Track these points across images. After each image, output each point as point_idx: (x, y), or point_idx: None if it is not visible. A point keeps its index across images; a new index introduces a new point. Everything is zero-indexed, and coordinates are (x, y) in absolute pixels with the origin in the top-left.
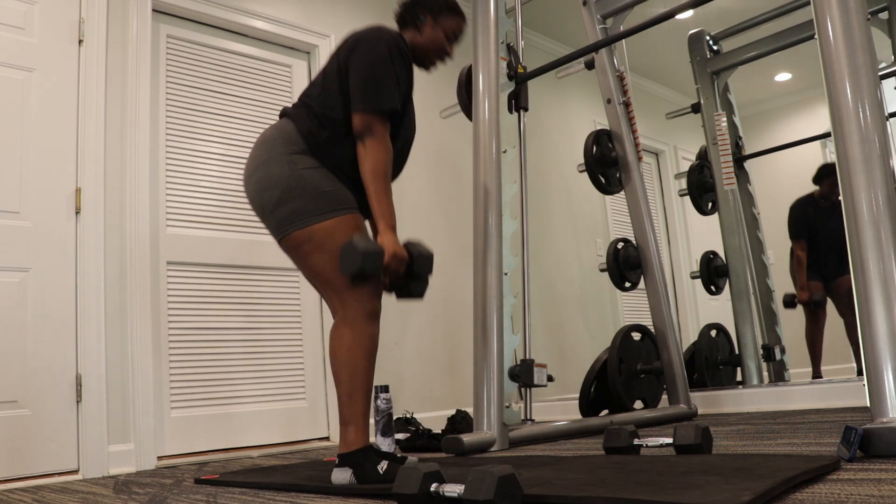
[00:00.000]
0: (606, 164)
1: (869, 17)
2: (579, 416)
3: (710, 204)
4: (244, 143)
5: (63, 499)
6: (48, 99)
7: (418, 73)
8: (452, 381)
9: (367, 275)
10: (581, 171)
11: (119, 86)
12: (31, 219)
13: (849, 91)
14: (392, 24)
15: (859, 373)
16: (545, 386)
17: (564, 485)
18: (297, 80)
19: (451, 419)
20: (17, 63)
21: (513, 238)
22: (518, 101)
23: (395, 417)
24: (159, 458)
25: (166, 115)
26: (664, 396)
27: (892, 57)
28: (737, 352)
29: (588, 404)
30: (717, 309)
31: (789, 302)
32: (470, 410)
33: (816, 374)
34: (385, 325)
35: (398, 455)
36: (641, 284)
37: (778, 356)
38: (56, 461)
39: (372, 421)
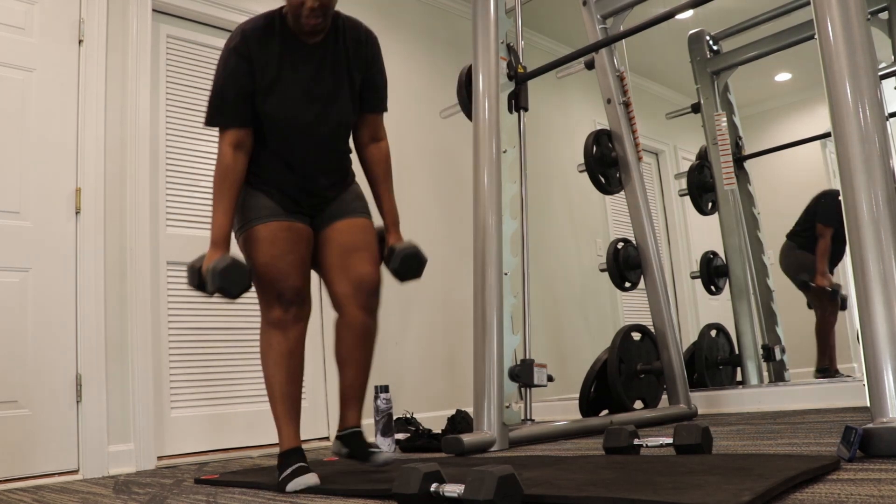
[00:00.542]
0: (606, 164)
1: (869, 17)
2: (579, 416)
3: (710, 204)
4: None
5: (63, 499)
6: (48, 99)
7: (417, 73)
8: (452, 381)
9: (209, 291)
10: (581, 171)
11: (119, 86)
12: (31, 219)
13: (849, 91)
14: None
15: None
16: (545, 386)
17: (564, 485)
18: None
19: (451, 419)
20: (17, 63)
21: (513, 238)
22: (518, 101)
23: (395, 417)
24: (159, 458)
25: (166, 115)
26: (664, 396)
27: (892, 57)
28: (737, 352)
29: (588, 404)
30: (717, 309)
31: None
32: (470, 410)
33: (825, 369)
34: (385, 324)
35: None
36: (641, 284)
37: (778, 356)
38: (56, 461)
39: (372, 421)
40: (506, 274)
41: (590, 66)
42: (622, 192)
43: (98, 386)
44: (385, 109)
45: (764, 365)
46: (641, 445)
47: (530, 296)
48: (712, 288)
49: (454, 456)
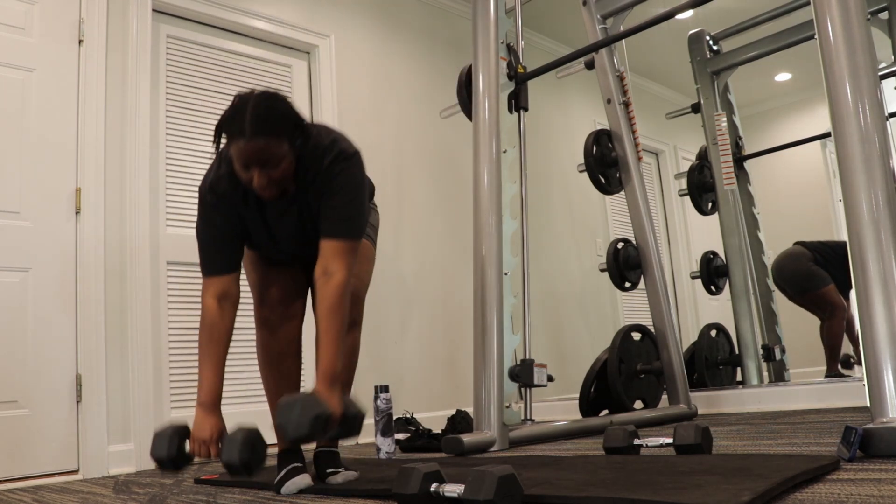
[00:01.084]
0: (606, 164)
1: (869, 17)
2: (579, 416)
3: (710, 204)
4: None
5: (63, 499)
6: (48, 99)
7: (417, 73)
8: (452, 381)
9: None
10: (581, 171)
11: (119, 86)
12: (31, 219)
13: (849, 91)
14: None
15: None
16: (545, 386)
17: (564, 485)
18: (296, 80)
19: (451, 419)
20: (17, 63)
21: (513, 238)
22: (518, 101)
23: (395, 417)
24: None
25: (166, 115)
26: (664, 396)
27: (892, 57)
28: (737, 352)
29: (588, 404)
30: (717, 309)
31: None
32: (470, 410)
33: (835, 376)
34: (385, 324)
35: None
36: (641, 284)
37: (778, 356)
38: (56, 461)
39: (372, 421)
40: (506, 274)
41: (590, 66)
42: (622, 192)
43: (98, 386)
44: (344, 236)
45: (764, 365)
46: (641, 445)
47: (530, 296)
48: (712, 288)
49: (454, 456)
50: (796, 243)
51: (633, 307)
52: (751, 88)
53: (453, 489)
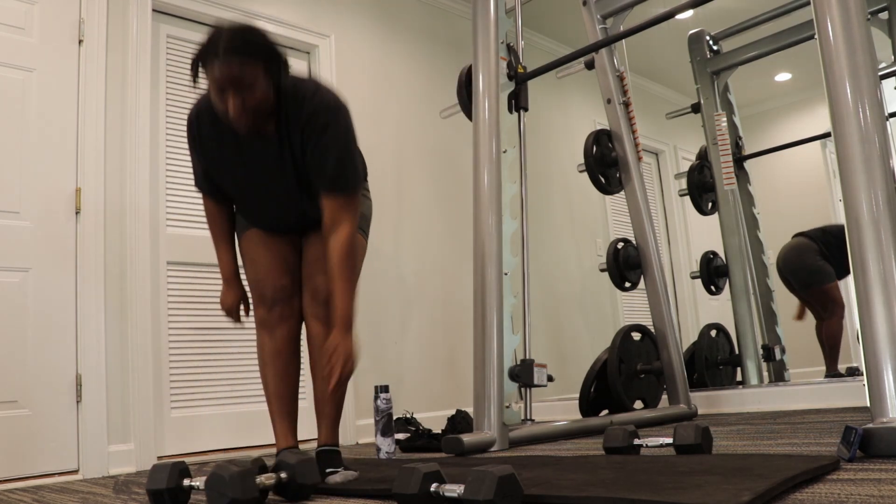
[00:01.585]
0: (606, 164)
1: (869, 17)
2: (579, 416)
3: (710, 204)
4: None
5: (63, 499)
6: (48, 99)
7: (417, 73)
8: (452, 381)
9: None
10: (581, 171)
11: (119, 86)
12: (31, 219)
13: (849, 91)
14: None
15: None
16: (545, 386)
17: (564, 485)
18: None
19: (451, 419)
20: (17, 63)
21: (513, 238)
22: (518, 101)
23: (395, 417)
24: (159, 458)
25: (166, 115)
26: (664, 396)
27: (892, 57)
28: (737, 352)
29: (588, 404)
30: (717, 309)
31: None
32: (470, 410)
33: (835, 375)
34: (385, 324)
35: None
36: (641, 284)
37: (778, 356)
38: (56, 461)
39: (372, 421)
40: (506, 274)
41: (590, 66)
42: (622, 192)
43: (98, 386)
44: (338, 189)
45: (764, 365)
46: (641, 445)
47: (530, 296)
48: (712, 288)
49: (454, 456)
50: (798, 234)
51: (633, 307)
52: (751, 88)
53: (453, 489)
